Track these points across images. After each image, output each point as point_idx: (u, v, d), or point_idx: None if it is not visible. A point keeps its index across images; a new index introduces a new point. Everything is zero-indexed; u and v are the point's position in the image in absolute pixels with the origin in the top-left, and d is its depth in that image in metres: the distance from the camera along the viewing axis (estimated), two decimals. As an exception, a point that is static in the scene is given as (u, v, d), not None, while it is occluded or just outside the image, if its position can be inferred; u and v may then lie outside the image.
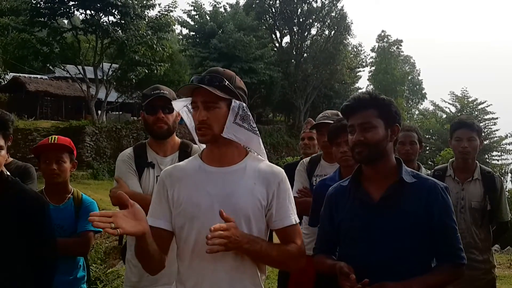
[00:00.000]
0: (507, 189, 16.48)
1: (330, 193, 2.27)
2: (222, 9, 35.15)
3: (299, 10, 37.67)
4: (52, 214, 2.77)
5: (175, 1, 25.97)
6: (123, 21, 23.43)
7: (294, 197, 3.45)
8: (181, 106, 2.05)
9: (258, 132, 2.01)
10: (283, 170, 2.02)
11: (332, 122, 3.16)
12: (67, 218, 2.93)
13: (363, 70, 48.40)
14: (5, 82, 27.20)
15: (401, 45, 53.61)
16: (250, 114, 1.97)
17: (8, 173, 2.60)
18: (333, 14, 38.01)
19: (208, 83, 1.86)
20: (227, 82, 1.89)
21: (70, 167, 2.98)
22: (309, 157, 3.66)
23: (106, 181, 19.14)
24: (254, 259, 1.89)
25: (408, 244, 2.00)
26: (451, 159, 3.66)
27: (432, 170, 3.77)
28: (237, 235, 1.75)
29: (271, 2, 37.78)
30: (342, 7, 38.31)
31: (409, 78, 56.65)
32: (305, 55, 38.28)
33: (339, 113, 2.82)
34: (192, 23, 33.60)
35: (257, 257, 1.88)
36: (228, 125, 1.89)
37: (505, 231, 3.64)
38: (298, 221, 1.98)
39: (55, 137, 2.97)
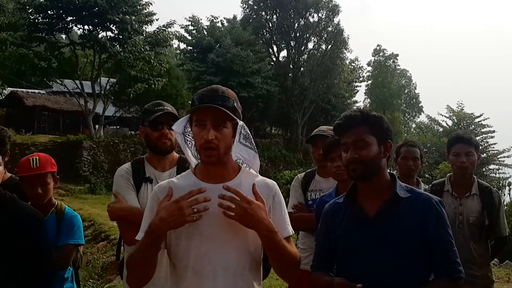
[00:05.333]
0: (505, 203, 16.50)
1: (326, 210, 2.27)
2: (219, 24, 35.49)
3: (296, 25, 37.98)
4: None
5: (174, 20, 26.14)
6: (121, 36, 23.57)
7: (289, 212, 3.47)
8: (182, 128, 1.99)
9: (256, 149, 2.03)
10: (275, 183, 2.03)
11: (326, 135, 3.18)
12: (49, 231, 2.91)
13: (360, 86, 48.76)
14: (3, 97, 27.27)
15: (397, 59, 53.96)
16: (249, 132, 2.00)
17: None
18: (329, 28, 38.35)
19: (222, 103, 1.85)
20: (235, 103, 1.91)
21: (53, 184, 3.05)
22: (304, 173, 3.67)
23: (104, 195, 19.08)
24: (269, 250, 1.86)
25: (404, 259, 1.99)
26: (448, 174, 3.65)
27: (430, 185, 3.76)
28: (258, 214, 1.76)
29: (268, 17, 38.12)
30: (338, 22, 38.71)
31: (406, 91, 56.92)
32: (302, 69, 38.47)
33: None
34: (189, 37, 33.85)
35: (275, 248, 1.83)
36: (235, 145, 1.92)
37: (503, 246, 3.62)
38: (293, 232, 1.98)
39: (36, 160, 2.97)
